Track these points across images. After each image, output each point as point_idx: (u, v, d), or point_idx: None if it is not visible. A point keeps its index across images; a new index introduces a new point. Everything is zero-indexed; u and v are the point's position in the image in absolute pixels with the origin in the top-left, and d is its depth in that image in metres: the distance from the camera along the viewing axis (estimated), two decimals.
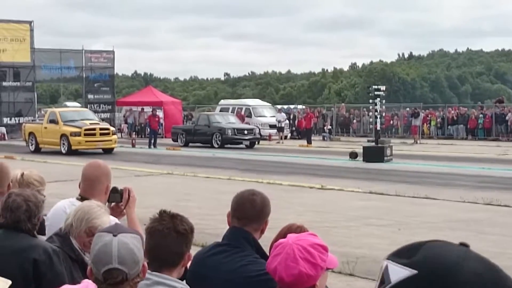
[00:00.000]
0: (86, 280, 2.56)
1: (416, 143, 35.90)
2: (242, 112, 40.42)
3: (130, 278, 2.47)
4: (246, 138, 32.38)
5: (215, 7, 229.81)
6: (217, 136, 32.37)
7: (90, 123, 28.40)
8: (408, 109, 44.67)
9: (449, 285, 1.13)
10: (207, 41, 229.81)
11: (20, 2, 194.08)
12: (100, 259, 2.45)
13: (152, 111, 35.26)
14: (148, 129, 35.49)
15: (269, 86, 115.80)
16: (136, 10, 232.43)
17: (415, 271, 1.15)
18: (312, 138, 35.74)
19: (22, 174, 4.74)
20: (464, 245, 1.20)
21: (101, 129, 28.23)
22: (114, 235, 2.46)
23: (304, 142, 34.87)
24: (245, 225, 3.28)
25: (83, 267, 3.38)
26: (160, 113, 38.67)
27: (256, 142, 33.07)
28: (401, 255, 1.19)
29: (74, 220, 3.56)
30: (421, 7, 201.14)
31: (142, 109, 42.24)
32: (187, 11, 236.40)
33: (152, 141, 32.49)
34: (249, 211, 3.28)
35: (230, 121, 34.07)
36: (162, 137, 38.43)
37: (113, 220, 4.10)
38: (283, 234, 3.48)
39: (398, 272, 1.16)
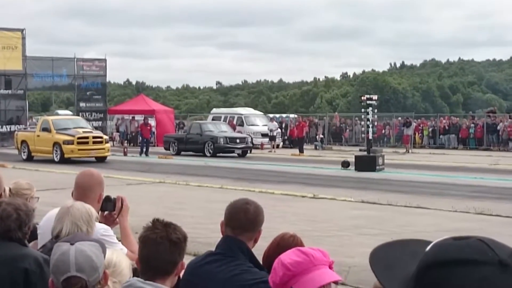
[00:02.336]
0: None
1: (408, 152, 35.97)
2: (234, 121, 40.38)
3: (90, 285, 2.46)
4: (238, 147, 32.36)
5: (209, 17, 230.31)
6: (209, 144, 32.33)
7: (83, 131, 28.24)
8: (400, 118, 44.80)
9: None
10: (200, 50, 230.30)
11: (14, 11, 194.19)
12: (59, 268, 2.45)
13: (144, 120, 35.18)
14: (140, 138, 35.43)
15: (261, 95, 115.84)
16: (130, 19, 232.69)
17: None
18: (304, 147, 35.72)
19: (10, 189, 4.71)
20: None
21: (94, 137, 28.08)
22: (71, 244, 2.47)
23: (296, 151, 34.86)
24: (239, 234, 3.26)
25: None
26: (152, 122, 38.59)
27: (248, 151, 33.05)
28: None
29: (88, 226, 3.53)
30: (413, 18, 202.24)
31: (133, 117, 42.16)
32: (180, 20, 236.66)
33: (144, 149, 32.45)
34: (242, 220, 3.27)
35: (222, 130, 34.05)
36: (154, 146, 38.33)
37: (106, 228, 4.08)
38: (276, 243, 3.47)
39: None
